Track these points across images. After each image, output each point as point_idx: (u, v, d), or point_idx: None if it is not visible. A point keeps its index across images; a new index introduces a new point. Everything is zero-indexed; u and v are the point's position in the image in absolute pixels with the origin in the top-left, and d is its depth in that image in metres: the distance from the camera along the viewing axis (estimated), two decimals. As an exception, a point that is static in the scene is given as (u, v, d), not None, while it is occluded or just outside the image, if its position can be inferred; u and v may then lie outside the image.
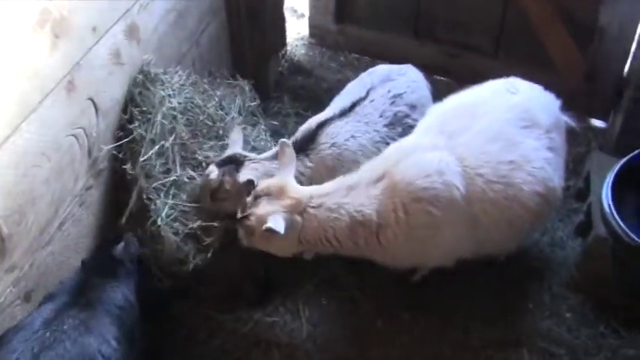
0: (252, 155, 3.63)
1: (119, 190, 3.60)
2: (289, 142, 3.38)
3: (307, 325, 3.69)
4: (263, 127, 4.16)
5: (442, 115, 3.49)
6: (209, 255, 3.44)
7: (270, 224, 3.03)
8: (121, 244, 3.20)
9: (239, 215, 3.24)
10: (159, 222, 3.42)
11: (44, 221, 3.04)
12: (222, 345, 3.59)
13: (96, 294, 2.94)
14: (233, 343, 3.60)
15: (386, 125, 3.79)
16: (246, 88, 4.19)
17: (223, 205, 3.52)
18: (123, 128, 3.55)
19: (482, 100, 3.49)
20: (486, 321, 3.68)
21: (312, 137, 3.68)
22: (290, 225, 3.14)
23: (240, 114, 4.01)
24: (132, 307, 3.08)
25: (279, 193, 3.21)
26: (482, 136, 3.26)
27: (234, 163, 3.53)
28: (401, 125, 3.81)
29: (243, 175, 3.45)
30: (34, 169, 2.89)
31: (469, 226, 3.23)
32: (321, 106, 4.14)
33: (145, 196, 3.45)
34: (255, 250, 3.37)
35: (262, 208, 3.18)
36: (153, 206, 3.44)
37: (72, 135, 3.13)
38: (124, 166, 3.48)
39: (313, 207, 3.20)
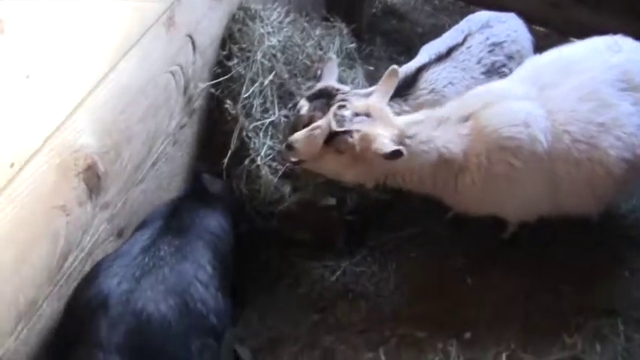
0: (346, 88, 3.45)
1: (213, 130, 3.55)
2: (399, 70, 3.22)
3: (395, 277, 3.59)
4: (360, 70, 4.04)
5: (538, 68, 3.31)
6: (309, 191, 3.40)
7: (397, 147, 2.86)
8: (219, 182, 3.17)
9: (335, 128, 2.98)
10: (258, 161, 3.37)
11: (138, 159, 2.99)
12: (308, 293, 3.54)
13: (189, 219, 2.95)
14: (319, 292, 3.54)
15: (483, 73, 3.65)
16: (344, 30, 4.08)
17: None
18: (221, 65, 3.49)
19: (582, 56, 3.30)
20: (579, 286, 3.51)
21: (411, 82, 3.55)
22: None
23: (337, 55, 3.89)
24: (226, 235, 3.07)
25: (381, 118, 3.04)
26: (576, 93, 3.09)
27: (326, 96, 3.38)
28: (497, 74, 3.66)
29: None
30: (132, 107, 2.82)
31: (548, 184, 3.11)
32: (414, 52, 3.99)
33: (245, 135, 3.39)
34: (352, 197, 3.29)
35: (369, 127, 2.97)
36: (252, 145, 3.38)
37: (169, 72, 3.07)
38: (225, 105, 3.41)
39: (409, 137, 3.02)
